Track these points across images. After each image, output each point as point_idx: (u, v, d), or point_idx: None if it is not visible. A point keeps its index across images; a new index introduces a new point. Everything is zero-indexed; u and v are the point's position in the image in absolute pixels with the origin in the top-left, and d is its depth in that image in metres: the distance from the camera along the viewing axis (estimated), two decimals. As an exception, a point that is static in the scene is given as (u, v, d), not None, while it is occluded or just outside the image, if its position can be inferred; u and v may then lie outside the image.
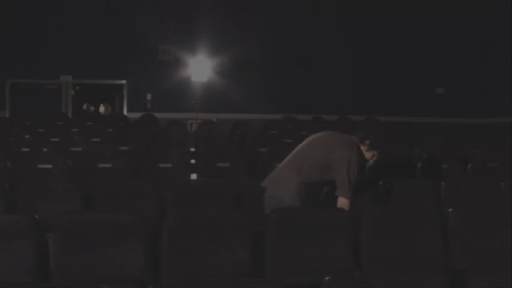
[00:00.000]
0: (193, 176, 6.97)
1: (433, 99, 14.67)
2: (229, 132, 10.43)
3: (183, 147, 8.18)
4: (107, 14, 13.79)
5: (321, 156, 4.80)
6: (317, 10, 14.10)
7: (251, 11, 14.14)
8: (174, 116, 12.55)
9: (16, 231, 4.01)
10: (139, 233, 4.11)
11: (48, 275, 4.02)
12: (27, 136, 9.32)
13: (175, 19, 13.88)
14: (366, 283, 3.11)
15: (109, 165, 6.63)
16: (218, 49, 14.20)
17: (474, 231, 4.37)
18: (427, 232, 4.34)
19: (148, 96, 14.32)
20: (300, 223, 4.29)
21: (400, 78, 14.45)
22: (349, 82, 14.37)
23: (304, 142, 5.05)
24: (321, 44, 14.28)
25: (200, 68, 14.25)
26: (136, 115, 12.79)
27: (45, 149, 7.81)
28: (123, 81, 14.43)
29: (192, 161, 7.37)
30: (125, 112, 14.20)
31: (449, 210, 4.50)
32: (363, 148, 4.86)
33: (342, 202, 4.70)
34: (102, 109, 14.85)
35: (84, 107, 15.55)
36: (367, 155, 4.88)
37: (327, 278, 3.01)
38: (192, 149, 8.32)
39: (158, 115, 12.52)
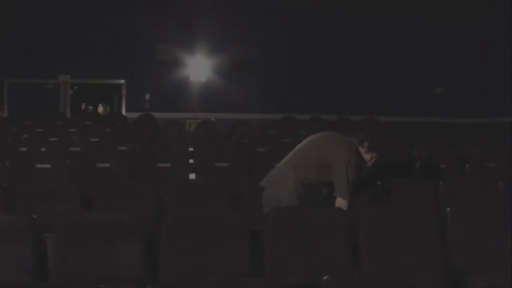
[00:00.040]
0: (192, 176, 6.97)
1: (432, 99, 14.67)
2: (228, 132, 10.43)
3: (181, 147, 8.18)
4: (106, 13, 13.78)
5: (320, 157, 4.80)
6: (316, 10, 14.10)
7: (250, 11, 14.14)
8: (172, 116, 12.54)
9: (14, 231, 4.01)
10: (138, 232, 4.11)
11: (47, 275, 4.02)
12: (25, 136, 9.31)
13: (174, 19, 13.88)
14: (364, 283, 3.11)
15: (107, 165, 6.63)
16: (217, 49, 14.20)
17: (472, 231, 4.37)
18: (426, 232, 4.34)
19: (147, 96, 14.32)
20: (298, 223, 4.29)
21: (400, 78, 14.46)
22: (348, 82, 14.38)
23: (303, 142, 5.05)
24: (320, 43, 14.27)
25: (199, 67, 14.24)
26: (135, 115, 12.78)
27: (43, 149, 7.81)
28: (122, 81, 14.43)
29: (191, 161, 7.37)
30: (124, 112, 14.19)
31: (448, 210, 4.50)
32: (362, 150, 4.86)
33: (340, 203, 4.70)
34: (100, 109, 14.83)
35: (83, 106, 15.55)
36: (366, 156, 4.88)
37: (325, 278, 3.01)
38: (191, 149, 8.32)
39: (157, 115, 12.50)
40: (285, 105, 13.49)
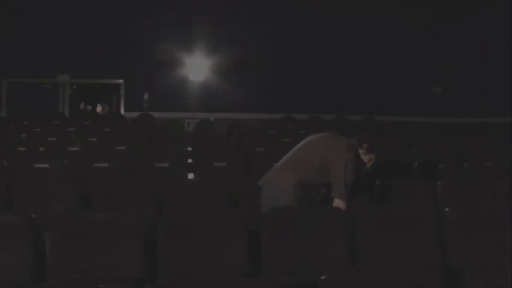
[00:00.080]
0: (190, 176, 6.97)
1: (430, 99, 14.67)
2: (226, 132, 10.43)
3: (180, 146, 8.18)
4: (104, 13, 13.77)
5: (319, 157, 4.80)
6: (315, 10, 14.10)
7: (248, 11, 14.13)
8: (171, 116, 12.54)
9: (13, 231, 4.01)
10: (136, 232, 4.11)
11: (45, 274, 4.02)
12: (23, 135, 9.32)
13: (173, 18, 13.86)
14: (362, 282, 3.12)
15: (106, 164, 6.62)
16: (215, 48, 14.19)
17: (470, 231, 4.37)
18: (423, 232, 4.34)
19: (146, 96, 14.31)
20: (296, 222, 4.29)
21: (399, 77, 14.45)
22: (346, 82, 14.37)
23: (302, 142, 5.05)
24: (319, 43, 14.27)
25: (197, 67, 14.24)
26: (133, 114, 12.78)
27: (41, 149, 7.81)
28: (120, 81, 14.42)
29: (189, 161, 7.37)
30: (122, 111, 14.18)
31: (446, 209, 4.51)
32: (361, 151, 4.87)
33: (338, 204, 4.70)
34: (99, 108, 14.83)
35: (81, 106, 15.53)
36: (365, 158, 4.88)
37: (323, 278, 3.02)
38: (189, 149, 8.33)
39: (155, 114, 12.50)
40: (283, 105, 13.48)
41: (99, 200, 5.23)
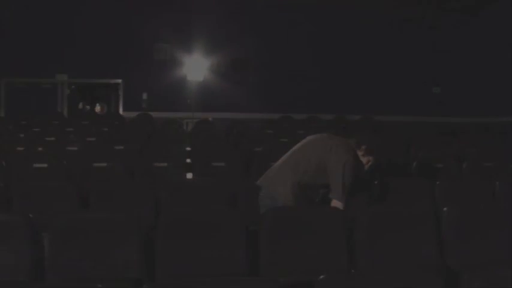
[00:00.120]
0: (189, 175, 6.97)
1: (429, 99, 14.68)
2: (225, 132, 10.42)
3: (178, 146, 8.18)
4: (103, 13, 13.77)
5: (318, 158, 4.80)
6: (314, 10, 14.10)
7: (247, 11, 14.13)
8: (169, 115, 12.54)
9: (11, 231, 4.01)
10: (135, 232, 4.11)
11: (44, 274, 4.02)
12: (22, 135, 9.31)
13: (171, 18, 13.86)
14: (360, 282, 3.11)
15: (104, 164, 6.62)
16: (214, 48, 14.20)
17: (469, 230, 4.37)
18: (422, 231, 4.34)
19: (144, 96, 14.32)
20: (294, 222, 4.29)
21: (398, 77, 14.46)
22: (345, 81, 14.37)
23: (301, 143, 5.05)
24: (318, 43, 14.27)
25: (196, 67, 14.24)
26: (132, 114, 12.77)
27: (40, 148, 7.81)
28: (119, 81, 14.42)
29: (188, 160, 7.37)
30: (121, 111, 14.19)
31: (444, 209, 4.51)
32: (359, 153, 4.86)
33: (336, 205, 4.69)
34: (97, 108, 14.82)
35: (80, 106, 15.53)
36: (363, 159, 4.88)
37: (321, 277, 3.02)
38: (188, 148, 8.32)
39: (154, 114, 12.50)
40: (282, 105, 13.48)
41: (98, 199, 5.23)
